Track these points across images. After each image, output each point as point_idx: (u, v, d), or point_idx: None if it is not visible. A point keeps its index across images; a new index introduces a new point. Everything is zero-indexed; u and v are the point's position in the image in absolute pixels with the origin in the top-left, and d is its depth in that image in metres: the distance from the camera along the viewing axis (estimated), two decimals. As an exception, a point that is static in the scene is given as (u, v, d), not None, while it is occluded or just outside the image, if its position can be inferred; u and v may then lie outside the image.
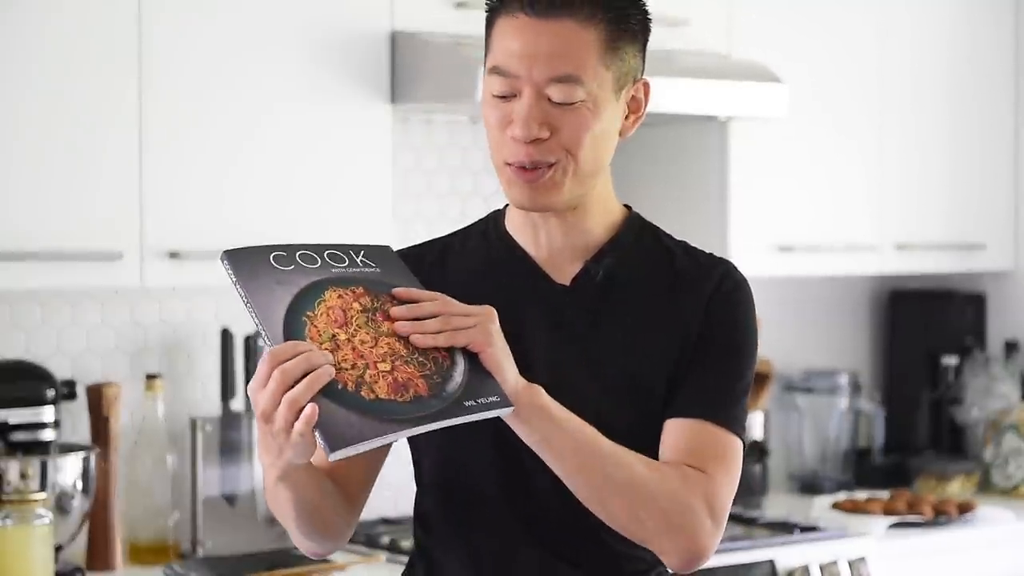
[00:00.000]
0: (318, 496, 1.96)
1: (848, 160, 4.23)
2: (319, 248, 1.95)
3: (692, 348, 2.01)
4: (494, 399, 1.85)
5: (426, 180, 3.94)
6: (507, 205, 2.11)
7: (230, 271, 1.89)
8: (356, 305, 1.88)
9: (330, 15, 3.36)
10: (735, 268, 2.08)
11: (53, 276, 3.08)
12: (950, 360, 4.64)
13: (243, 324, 3.57)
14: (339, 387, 1.80)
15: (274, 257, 1.91)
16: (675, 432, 1.99)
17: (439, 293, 1.90)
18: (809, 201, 4.14)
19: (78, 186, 3.10)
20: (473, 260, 2.10)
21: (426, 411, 1.81)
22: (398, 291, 1.89)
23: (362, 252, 1.96)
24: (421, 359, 1.85)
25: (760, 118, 3.90)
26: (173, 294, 3.56)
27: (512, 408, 1.85)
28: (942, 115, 4.41)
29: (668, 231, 2.14)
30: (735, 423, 2.01)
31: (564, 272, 2.05)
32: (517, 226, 2.08)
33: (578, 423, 1.91)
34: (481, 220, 2.15)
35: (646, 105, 2.05)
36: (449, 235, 2.15)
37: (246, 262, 1.90)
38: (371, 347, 1.84)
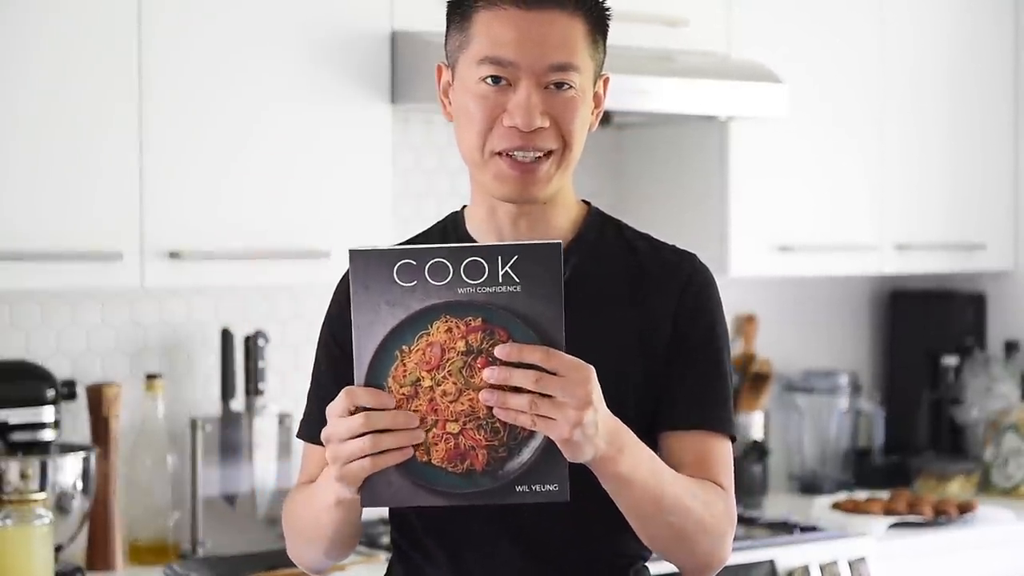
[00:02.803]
0: (358, 518, 1.98)
1: (848, 160, 4.23)
2: (460, 255, 1.77)
3: (668, 348, 2.03)
4: (551, 488, 1.78)
5: (426, 180, 3.94)
6: (464, 207, 2.12)
7: (350, 274, 1.78)
8: (461, 344, 1.76)
9: (330, 15, 3.36)
10: (701, 262, 2.10)
11: (53, 276, 3.08)
12: (950, 360, 4.63)
13: (243, 324, 3.57)
14: None
15: (400, 267, 1.76)
16: (682, 446, 2.02)
17: (550, 351, 1.76)
18: (809, 201, 4.14)
19: (78, 186, 3.10)
20: None
21: (471, 489, 1.78)
22: (500, 351, 1.75)
23: (514, 259, 1.76)
24: (496, 426, 1.77)
25: (760, 118, 3.90)
26: (173, 294, 3.56)
27: (566, 499, 1.80)
28: (942, 115, 4.41)
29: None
30: (730, 425, 2.06)
31: None
32: (478, 227, 2.08)
33: (647, 475, 1.89)
34: (439, 222, 2.15)
35: (604, 101, 2.07)
36: (411, 239, 2.15)
37: (367, 267, 1.76)
38: (451, 401, 1.76)
